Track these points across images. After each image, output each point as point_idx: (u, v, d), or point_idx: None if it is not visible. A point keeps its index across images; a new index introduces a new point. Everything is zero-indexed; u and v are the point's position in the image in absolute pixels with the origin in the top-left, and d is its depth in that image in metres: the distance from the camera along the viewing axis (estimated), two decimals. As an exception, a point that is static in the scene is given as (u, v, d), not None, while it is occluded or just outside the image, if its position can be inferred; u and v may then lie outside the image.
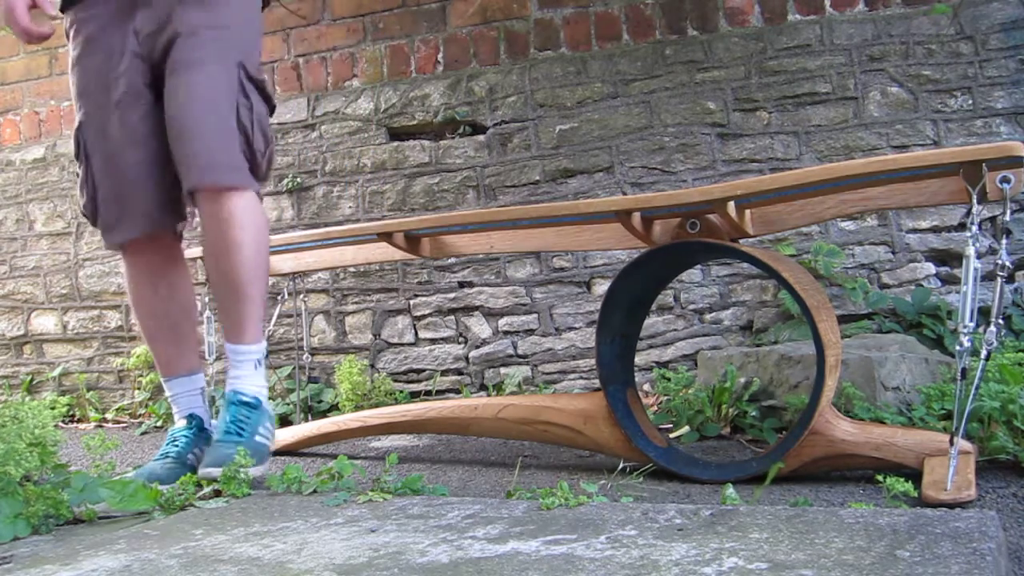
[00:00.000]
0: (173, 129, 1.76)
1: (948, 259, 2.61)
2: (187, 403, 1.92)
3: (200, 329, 2.09)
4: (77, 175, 1.89)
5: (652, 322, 2.74)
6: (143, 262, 1.90)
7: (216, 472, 1.62)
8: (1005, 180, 1.47)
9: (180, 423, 1.90)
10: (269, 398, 2.23)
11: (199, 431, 1.89)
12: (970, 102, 2.58)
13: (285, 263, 2.40)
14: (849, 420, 1.73)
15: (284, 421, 2.78)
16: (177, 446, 1.86)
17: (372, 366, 2.99)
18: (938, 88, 2.60)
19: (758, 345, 2.52)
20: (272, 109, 1.87)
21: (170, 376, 1.92)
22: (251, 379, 1.82)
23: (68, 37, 1.88)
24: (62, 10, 1.88)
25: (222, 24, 1.80)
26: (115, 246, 1.88)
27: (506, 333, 2.89)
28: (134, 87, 1.81)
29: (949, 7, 2.53)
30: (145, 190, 1.82)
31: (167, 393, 1.94)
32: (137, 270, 1.91)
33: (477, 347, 2.91)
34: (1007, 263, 1.48)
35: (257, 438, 1.77)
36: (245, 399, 1.80)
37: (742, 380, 2.21)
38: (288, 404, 2.86)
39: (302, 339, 2.69)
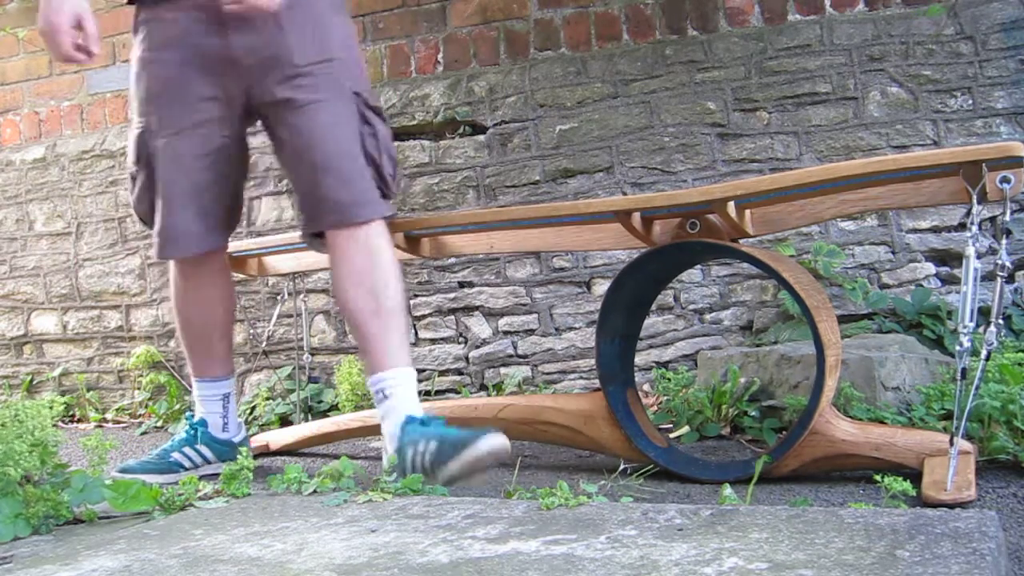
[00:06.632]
0: (303, 174, 1.78)
1: (948, 259, 2.61)
2: (203, 407, 2.04)
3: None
4: (133, 178, 1.89)
5: (652, 322, 2.74)
6: (190, 274, 1.96)
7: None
8: (1005, 180, 1.47)
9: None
10: (268, 398, 2.25)
11: (197, 434, 2.01)
12: (970, 102, 2.58)
13: (285, 263, 2.40)
14: (849, 420, 1.73)
15: (284, 421, 2.78)
16: (166, 445, 2.02)
17: (372, 366, 2.99)
18: (938, 88, 2.60)
19: (758, 345, 2.52)
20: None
21: (196, 377, 2.04)
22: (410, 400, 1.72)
23: (136, 31, 1.84)
24: (130, 1, 1.84)
25: (330, 56, 1.79)
26: (165, 259, 1.94)
27: (506, 333, 2.89)
28: (224, 117, 1.82)
29: (944, 7, 2.53)
30: (205, 211, 1.86)
31: (193, 391, 2.08)
32: (183, 280, 1.98)
33: (477, 347, 2.91)
34: (1007, 263, 1.48)
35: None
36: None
37: (742, 380, 2.21)
38: (288, 404, 2.86)
39: (302, 339, 2.69)
